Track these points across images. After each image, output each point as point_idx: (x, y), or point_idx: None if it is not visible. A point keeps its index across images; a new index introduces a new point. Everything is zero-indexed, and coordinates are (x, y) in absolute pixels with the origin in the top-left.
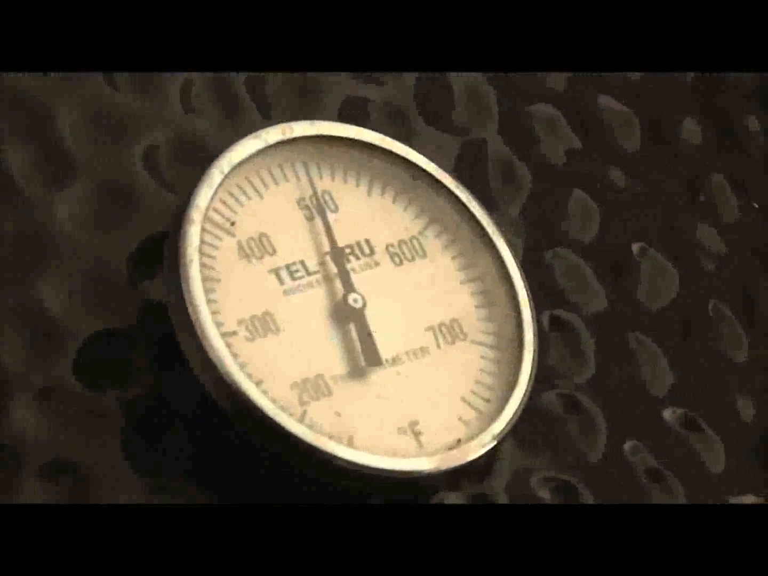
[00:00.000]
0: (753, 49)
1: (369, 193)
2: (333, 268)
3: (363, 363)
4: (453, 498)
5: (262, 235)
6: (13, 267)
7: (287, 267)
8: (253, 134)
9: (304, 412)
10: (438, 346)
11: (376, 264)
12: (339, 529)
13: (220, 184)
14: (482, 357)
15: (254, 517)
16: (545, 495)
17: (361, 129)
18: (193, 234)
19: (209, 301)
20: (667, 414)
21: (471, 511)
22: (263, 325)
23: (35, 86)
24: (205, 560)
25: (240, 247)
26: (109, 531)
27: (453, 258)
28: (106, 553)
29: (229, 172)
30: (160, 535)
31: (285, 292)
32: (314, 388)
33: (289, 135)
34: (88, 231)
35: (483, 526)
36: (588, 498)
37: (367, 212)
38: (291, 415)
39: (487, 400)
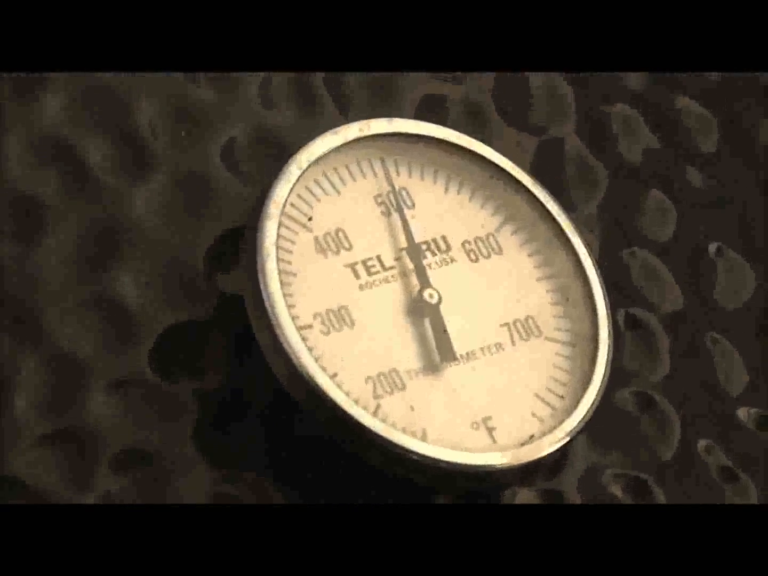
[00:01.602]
0: None
1: (446, 190)
2: (409, 264)
3: (437, 358)
4: (524, 494)
5: (338, 230)
6: (90, 259)
7: (363, 262)
8: (332, 130)
9: (378, 406)
10: (513, 342)
11: (452, 260)
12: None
13: (298, 180)
14: (557, 354)
15: (321, 515)
16: (617, 492)
17: (438, 126)
18: (271, 228)
19: (285, 295)
20: (742, 413)
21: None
22: (338, 319)
23: (116, 83)
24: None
25: (317, 241)
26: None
27: (529, 255)
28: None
29: (307, 168)
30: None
31: (361, 287)
32: (388, 382)
33: (366, 132)
34: (166, 224)
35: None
36: (659, 495)
37: (443, 209)
38: (365, 408)
39: (561, 397)
